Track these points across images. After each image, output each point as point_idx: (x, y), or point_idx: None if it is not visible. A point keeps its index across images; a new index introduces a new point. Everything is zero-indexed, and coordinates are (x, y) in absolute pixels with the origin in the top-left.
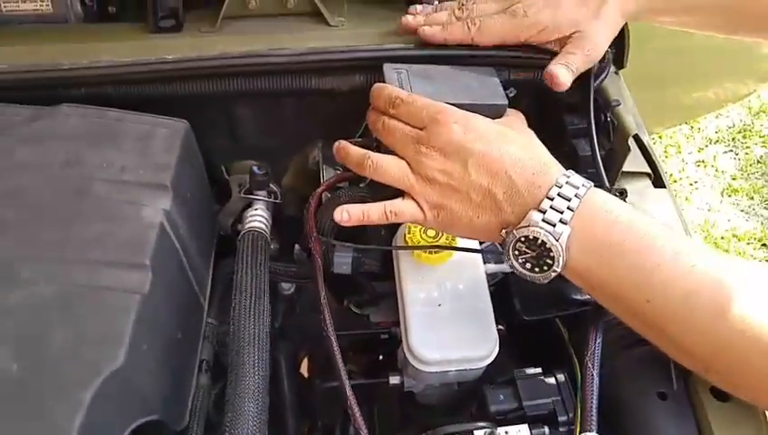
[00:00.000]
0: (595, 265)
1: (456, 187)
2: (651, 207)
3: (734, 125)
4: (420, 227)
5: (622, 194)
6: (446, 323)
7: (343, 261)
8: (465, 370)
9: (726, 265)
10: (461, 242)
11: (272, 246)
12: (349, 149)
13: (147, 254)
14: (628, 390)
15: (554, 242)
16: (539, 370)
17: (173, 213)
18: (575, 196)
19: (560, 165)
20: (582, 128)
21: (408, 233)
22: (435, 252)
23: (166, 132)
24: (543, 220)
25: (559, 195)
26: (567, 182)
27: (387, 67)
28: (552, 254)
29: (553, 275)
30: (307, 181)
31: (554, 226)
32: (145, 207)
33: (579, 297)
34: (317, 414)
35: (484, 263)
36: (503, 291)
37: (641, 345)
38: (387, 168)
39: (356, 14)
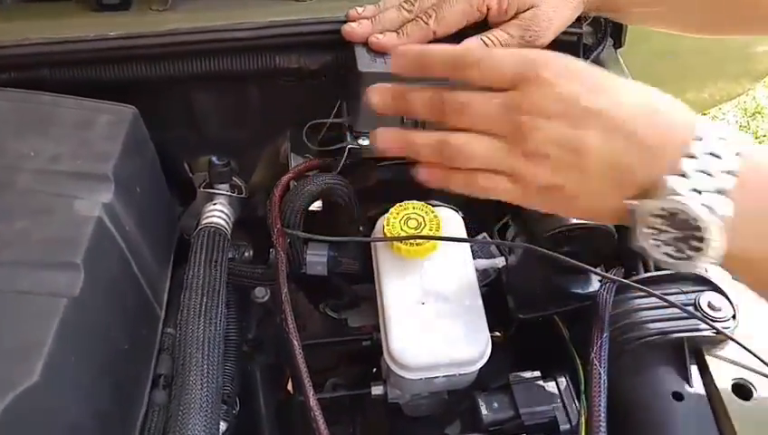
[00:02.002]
0: None
1: (572, 161)
2: None
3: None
4: (400, 217)
5: None
6: (430, 324)
7: (317, 260)
8: (455, 376)
9: None
10: (447, 232)
11: (246, 254)
12: (412, 137)
13: (78, 252)
14: (638, 390)
15: (706, 217)
16: (537, 373)
17: (116, 207)
18: (731, 153)
19: (691, 111)
20: None
21: (387, 224)
22: (417, 243)
23: (109, 119)
24: (691, 189)
25: (706, 153)
26: (714, 135)
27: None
28: (702, 234)
29: (705, 263)
30: (278, 177)
31: (701, 193)
32: (79, 200)
33: (579, 291)
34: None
35: (474, 259)
36: (495, 289)
37: (650, 340)
38: (475, 150)
39: None
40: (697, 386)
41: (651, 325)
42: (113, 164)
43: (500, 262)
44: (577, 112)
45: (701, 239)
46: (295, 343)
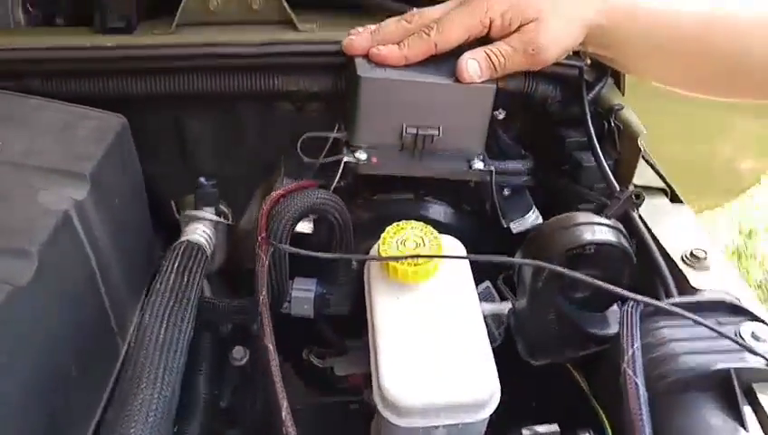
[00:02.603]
0: None
1: None
2: (671, 222)
3: None
4: (396, 236)
5: (638, 197)
6: (429, 358)
7: (303, 296)
8: (458, 425)
9: None
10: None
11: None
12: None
13: (34, 242)
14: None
15: None
16: (555, 428)
17: (88, 209)
18: None
19: None
20: (584, 140)
21: (383, 244)
22: (416, 264)
23: (95, 124)
24: None
25: None
26: None
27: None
28: None
29: None
30: None
31: None
32: (45, 192)
33: (597, 331)
34: None
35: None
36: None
37: (690, 376)
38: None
39: (329, 23)
40: (754, 431)
41: (689, 358)
42: (92, 165)
43: (505, 307)
44: None
45: None
46: (271, 348)
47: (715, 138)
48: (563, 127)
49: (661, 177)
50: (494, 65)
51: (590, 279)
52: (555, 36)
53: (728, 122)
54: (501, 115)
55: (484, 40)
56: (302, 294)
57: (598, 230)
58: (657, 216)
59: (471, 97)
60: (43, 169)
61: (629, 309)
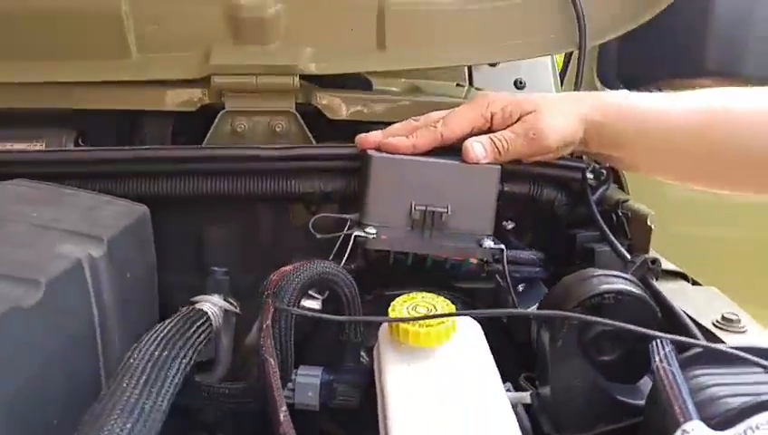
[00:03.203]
0: None
1: None
2: (696, 296)
3: None
4: (407, 304)
5: (654, 263)
6: (445, 430)
7: (309, 383)
8: None
9: None
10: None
11: None
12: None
13: (44, 274)
14: None
15: None
16: None
17: (100, 268)
18: None
19: None
20: (593, 235)
21: (392, 310)
22: (428, 325)
23: (119, 208)
24: None
25: None
26: None
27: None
28: None
29: None
30: None
31: None
32: (64, 245)
33: (631, 401)
34: None
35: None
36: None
37: None
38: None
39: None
40: None
41: (733, 399)
42: (111, 233)
43: (527, 396)
44: None
45: None
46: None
47: None
48: (573, 227)
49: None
50: (497, 148)
51: (609, 321)
52: (554, 124)
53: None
54: (510, 225)
55: (487, 130)
56: (307, 380)
57: (615, 281)
58: (678, 293)
59: (477, 177)
60: (67, 230)
61: (662, 364)
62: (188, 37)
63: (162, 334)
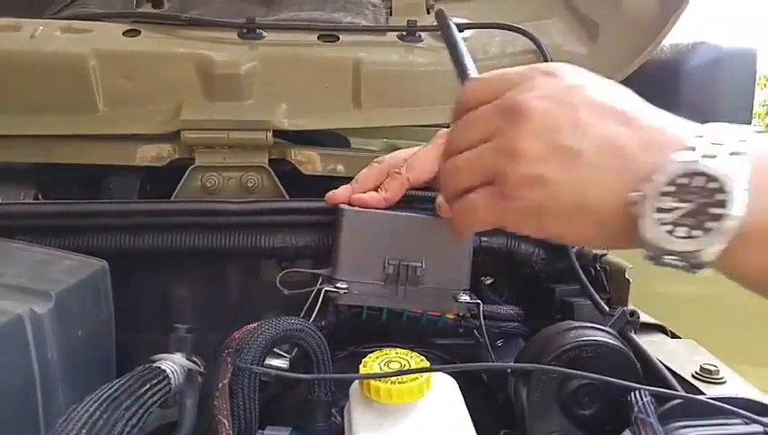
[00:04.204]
0: None
1: (563, 143)
2: (675, 348)
3: None
4: (380, 360)
5: (633, 315)
6: None
7: None
8: None
9: None
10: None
11: None
12: None
13: None
14: None
15: (722, 171)
16: None
17: (45, 324)
18: (734, 138)
19: None
20: (572, 289)
21: (364, 367)
22: (400, 381)
23: (73, 263)
24: (703, 156)
25: (711, 132)
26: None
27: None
28: (721, 193)
29: (727, 234)
30: None
31: (716, 157)
32: (5, 301)
33: None
34: None
35: None
36: None
37: None
38: (473, 212)
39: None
40: None
41: None
42: (60, 288)
43: None
44: (567, 105)
45: (722, 203)
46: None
47: None
48: (551, 281)
49: (656, 320)
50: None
51: (587, 374)
52: None
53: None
54: (488, 281)
55: None
56: None
57: (594, 333)
58: (657, 345)
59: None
60: (12, 286)
61: (641, 415)
62: (159, 92)
63: (107, 394)
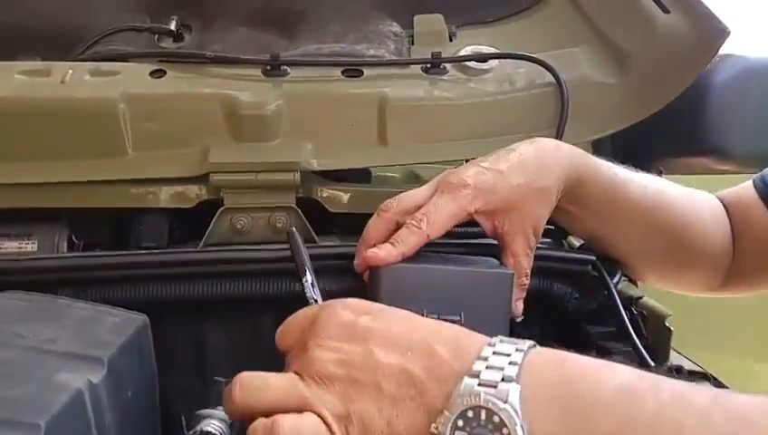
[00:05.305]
0: (569, 424)
1: (359, 377)
2: None
3: None
4: None
5: (679, 372)
6: None
7: None
8: None
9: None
10: None
11: None
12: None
13: (44, 415)
14: None
15: (501, 405)
16: None
17: (101, 393)
18: (516, 350)
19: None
20: (608, 332)
21: None
22: None
23: (117, 320)
24: (480, 384)
25: (494, 353)
26: (501, 340)
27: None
28: (503, 425)
29: None
30: None
31: (496, 386)
32: (63, 373)
33: None
34: None
35: None
36: None
37: None
38: (265, 387)
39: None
40: None
41: None
42: (111, 352)
43: None
44: (360, 332)
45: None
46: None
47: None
48: (585, 323)
49: (698, 365)
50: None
51: None
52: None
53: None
54: (519, 319)
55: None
56: None
57: None
58: None
59: (490, 284)
60: (65, 353)
61: None
62: (186, 134)
63: None
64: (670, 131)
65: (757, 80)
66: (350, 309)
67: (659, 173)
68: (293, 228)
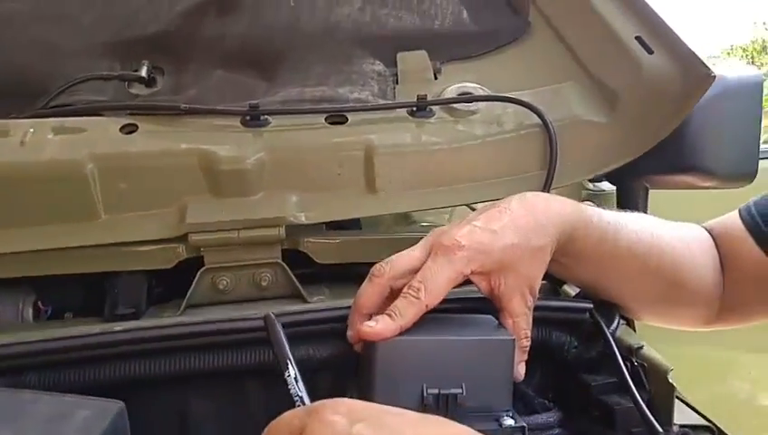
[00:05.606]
0: None
1: None
2: None
3: None
4: None
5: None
6: None
7: None
8: None
9: None
10: None
11: None
12: None
13: None
14: None
15: None
16: None
17: None
18: None
19: None
20: (610, 383)
21: None
22: None
23: (89, 413)
24: None
25: None
26: None
27: None
28: None
29: None
30: None
31: None
32: None
33: None
34: None
35: None
36: None
37: None
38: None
39: (338, 294)
40: None
41: None
42: None
43: None
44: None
45: None
46: None
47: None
48: (585, 372)
49: (703, 415)
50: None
51: None
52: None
53: (741, 360)
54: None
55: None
56: None
57: None
58: None
59: (491, 351)
60: None
61: None
62: (162, 193)
63: None
64: (655, 150)
65: (735, 99)
66: (343, 414)
67: (646, 190)
68: (271, 313)
